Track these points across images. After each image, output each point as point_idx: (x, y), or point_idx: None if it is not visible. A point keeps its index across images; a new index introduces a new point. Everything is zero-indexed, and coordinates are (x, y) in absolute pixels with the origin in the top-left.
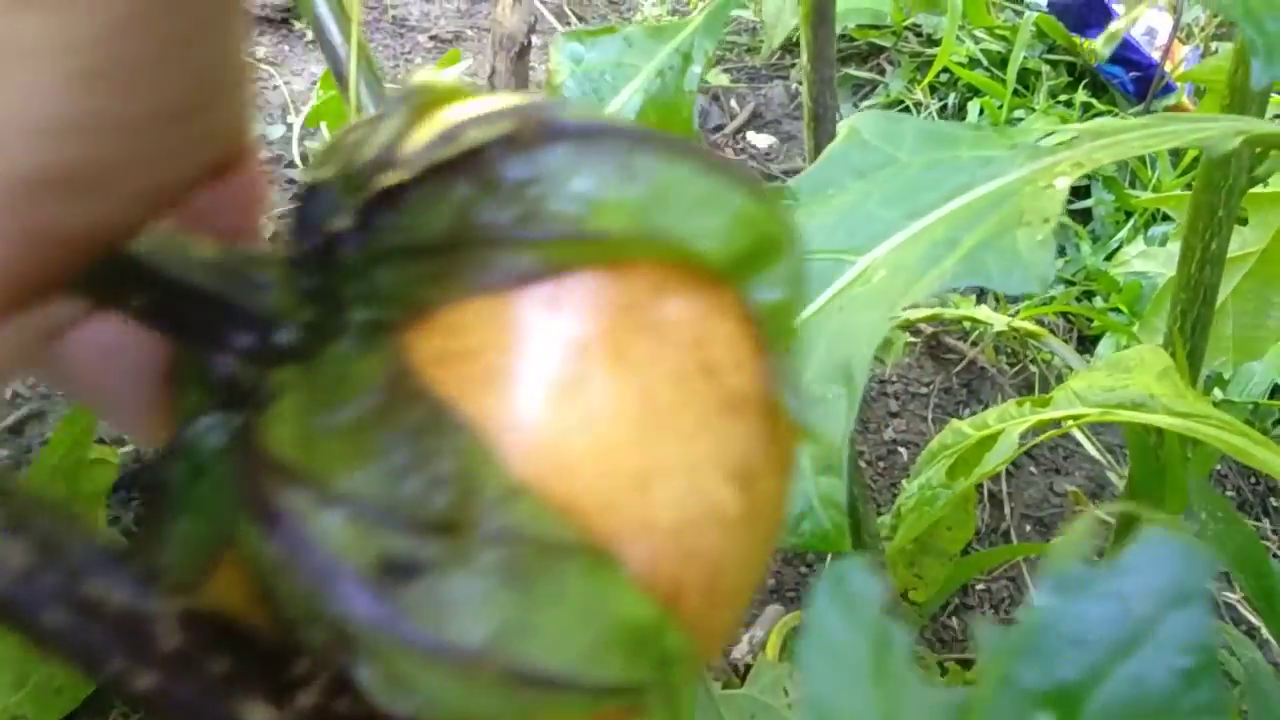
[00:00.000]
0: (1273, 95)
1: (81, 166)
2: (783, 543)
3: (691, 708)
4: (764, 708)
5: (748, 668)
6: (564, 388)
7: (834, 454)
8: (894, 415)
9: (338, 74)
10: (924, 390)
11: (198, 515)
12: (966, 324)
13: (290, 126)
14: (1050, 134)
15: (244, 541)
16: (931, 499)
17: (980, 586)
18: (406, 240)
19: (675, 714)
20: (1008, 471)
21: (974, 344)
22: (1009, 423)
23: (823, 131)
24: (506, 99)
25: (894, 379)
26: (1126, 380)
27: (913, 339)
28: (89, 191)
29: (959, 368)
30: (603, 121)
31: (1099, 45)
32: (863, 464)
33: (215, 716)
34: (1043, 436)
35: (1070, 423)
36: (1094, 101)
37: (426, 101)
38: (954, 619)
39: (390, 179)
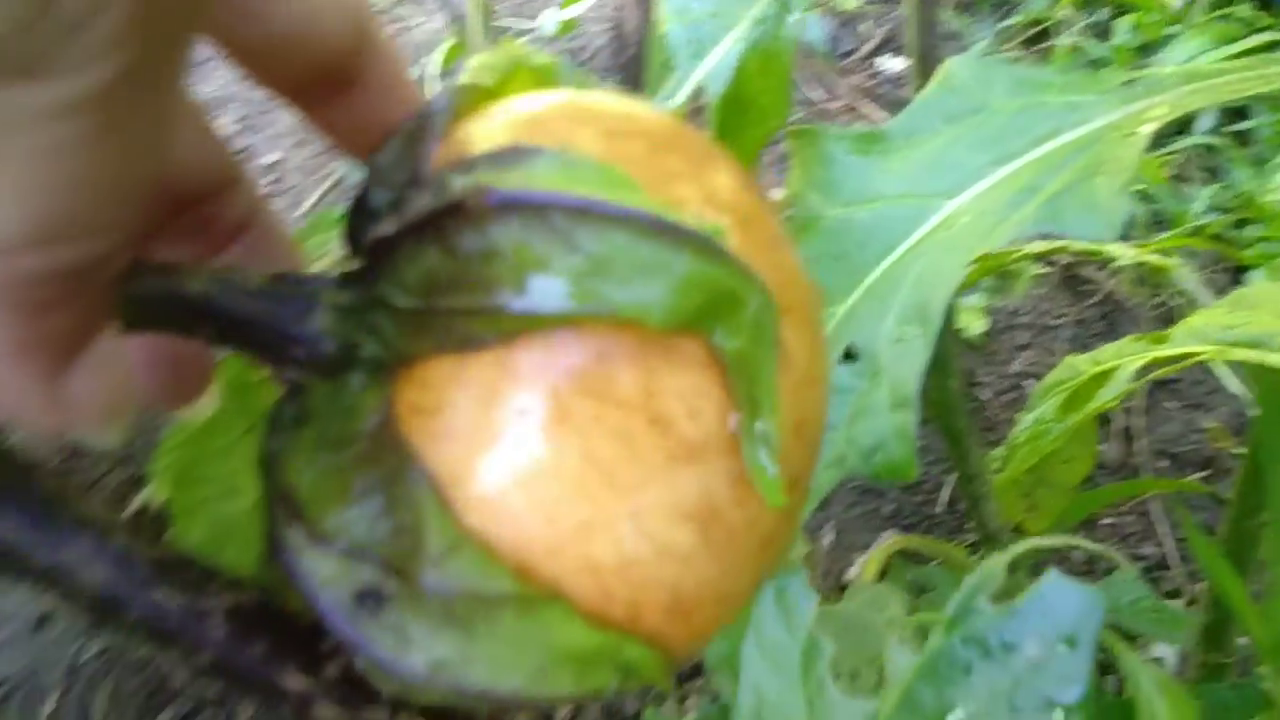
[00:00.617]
0: None
1: (68, 227)
2: (859, 472)
3: (667, 685)
4: (856, 623)
5: None
6: (509, 448)
7: (907, 391)
8: (1022, 348)
9: (454, 16)
10: (1057, 322)
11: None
12: (1103, 255)
13: (422, 67)
14: (1137, 80)
15: None
16: (1044, 433)
17: (1108, 521)
18: (392, 292)
19: (658, 684)
20: (1144, 406)
21: (1113, 275)
22: (1125, 359)
23: (927, 72)
24: (544, 99)
25: (1026, 310)
26: (1247, 318)
27: (1047, 268)
28: (75, 241)
29: (1095, 300)
30: (549, 191)
31: None
32: (986, 396)
33: (262, 684)
34: (1161, 372)
35: (1189, 360)
36: (1259, 15)
37: (470, 100)
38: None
39: (383, 229)
